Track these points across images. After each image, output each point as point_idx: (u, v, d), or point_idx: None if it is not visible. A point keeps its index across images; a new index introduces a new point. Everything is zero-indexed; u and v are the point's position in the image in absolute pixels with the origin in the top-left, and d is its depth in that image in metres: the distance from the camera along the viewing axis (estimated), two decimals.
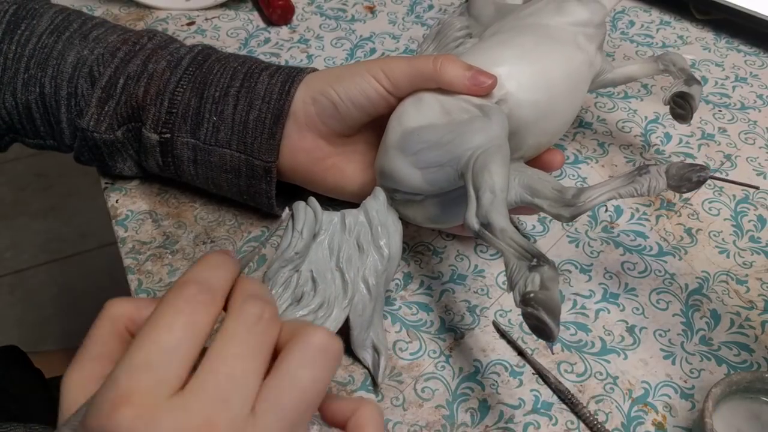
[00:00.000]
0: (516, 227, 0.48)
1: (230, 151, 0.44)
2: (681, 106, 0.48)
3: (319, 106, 0.42)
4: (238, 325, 0.27)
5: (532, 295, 0.32)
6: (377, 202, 0.41)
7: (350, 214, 0.40)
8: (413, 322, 0.43)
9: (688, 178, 0.39)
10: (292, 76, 0.44)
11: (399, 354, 0.41)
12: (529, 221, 0.48)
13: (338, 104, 0.42)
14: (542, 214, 0.48)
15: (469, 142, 0.37)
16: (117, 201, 0.48)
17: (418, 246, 0.47)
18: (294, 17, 0.64)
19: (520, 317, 0.43)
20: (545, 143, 0.44)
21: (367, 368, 0.40)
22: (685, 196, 0.50)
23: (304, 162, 0.44)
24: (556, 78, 0.42)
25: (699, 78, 0.48)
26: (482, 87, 0.40)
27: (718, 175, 0.51)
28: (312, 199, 0.40)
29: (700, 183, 0.39)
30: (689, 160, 0.52)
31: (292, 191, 0.47)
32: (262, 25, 0.63)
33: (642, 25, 0.65)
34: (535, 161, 0.44)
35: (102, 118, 0.45)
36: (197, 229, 0.47)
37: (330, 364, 0.27)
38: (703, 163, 0.41)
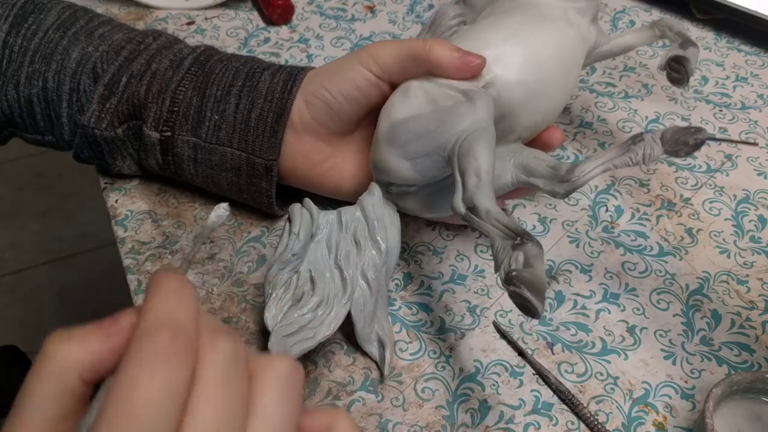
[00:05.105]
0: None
1: (231, 149, 0.44)
2: (677, 71, 0.47)
3: (312, 108, 0.43)
4: (215, 367, 0.24)
5: (514, 273, 0.32)
6: (373, 198, 0.41)
7: (347, 211, 0.40)
8: (413, 322, 0.43)
9: (685, 141, 0.38)
10: (294, 75, 0.44)
11: (399, 354, 0.41)
12: (530, 221, 0.48)
13: (331, 102, 0.42)
14: (542, 214, 0.48)
15: (453, 128, 0.37)
16: (116, 201, 0.48)
17: (418, 246, 0.47)
18: (294, 17, 0.64)
19: (521, 317, 0.43)
20: (541, 122, 0.43)
21: (375, 361, 0.40)
22: (686, 196, 0.50)
23: (302, 166, 0.44)
24: (546, 56, 0.41)
25: (695, 41, 0.47)
26: (471, 66, 0.39)
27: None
28: (307, 201, 0.40)
29: (697, 146, 0.38)
30: (690, 160, 0.52)
31: (291, 193, 0.47)
32: (261, 24, 0.63)
33: (642, 25, 0.65)
34: (535, 141, 0.44)
35: (103, 115, 0.45)
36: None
37: (300, 390, 0.26)
38: (699, 125, 0.40)
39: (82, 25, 0.47)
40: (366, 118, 0.44)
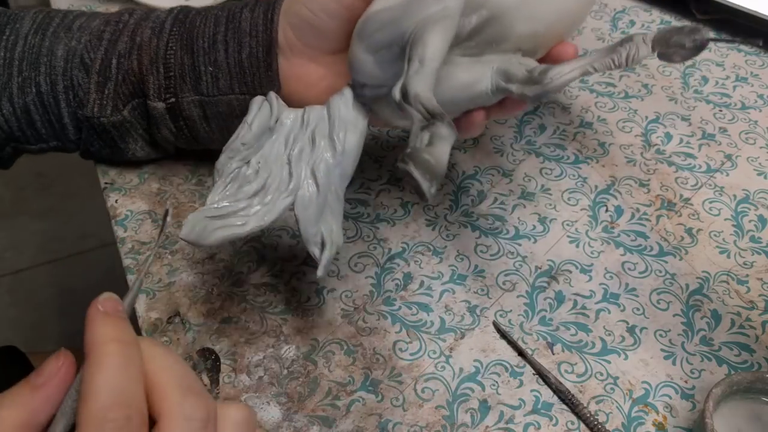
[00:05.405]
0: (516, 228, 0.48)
1: (235, 95, 0.44)
2: None
3: (297, 29, 0.42)
4: None
5: (408, 151, 0.30)
6: (342, 98, 0.39)
7: (312, 109, 0.39)
8: (413, 322, 0.43)
9: (680, 43, 0.34)
10: (272, 3, 0.43)
11: (399, 354, 0.41)
12: (530, 221, 0.48)
13: (313, 21, 0.41)
14: (542, 214, 0.48)
15: (416, 16, 0.35)
16: (116, 201, 0.48)
17: (418, 246, 0.47)
18: None
19: (521, 317, 0.43)
20: (544, 32, 0.39)
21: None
22: (686, 196, 0.50)
23: (298, 89, 0.43)
24: None
25: None
26: None
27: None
28: (271, 94, 0.39)
29: (697, 49, 0.34)
30: (690, 160, 0.52)
31: None
32: None
33: (642, 25, 0.65)
34: (546, 58, 0.41)
35: (105, 102, 0.45)
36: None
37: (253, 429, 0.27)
38: (698, 25, 0.36)
39: (59, 23, 0.46)
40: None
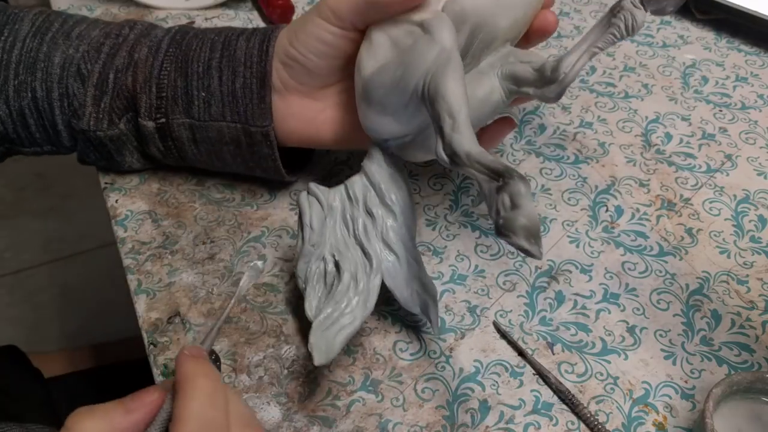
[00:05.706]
0: None
1: (226, 123, 0.44)
2: None
3: (289, 69, 0.42)
4: None
5: (501, 222, 0.29)
6: (373, 162, 0.40)
7: (352, 183, 0.40)
8: (413, 322, 0.43)
9: None
10: (267, 35, 0.43)
11: (399, 354, 0.41)
12: None
13: (303, 61, 0.41)
14: (542, 214, 0.48)
15: (418, 69, 0.35)
16: (116, 201, 0.48)
17: (418, 246, 0.47)
18: (294, 16, 0.64)
19: (521, 317, 0.43)
20: (523, 16, 0.39)
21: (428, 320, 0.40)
22: (686, 196, 0.50)
23: (296, 127, 0.44)
24: None
25: None
26: None
27: None
28: (311, 186, 0.39)
29: None
30: (690, 160, 0.52)
31: (297, 155, 0.47)
32: (262, 24, 0.63)
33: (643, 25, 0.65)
34: (528, 36, 0.41)
35: (101, 116, 0.45)
36: (197, 229, 0.47)
37: None
38: None
39: (58, 28, 0.46)
40: (350, 65, 0.41)
